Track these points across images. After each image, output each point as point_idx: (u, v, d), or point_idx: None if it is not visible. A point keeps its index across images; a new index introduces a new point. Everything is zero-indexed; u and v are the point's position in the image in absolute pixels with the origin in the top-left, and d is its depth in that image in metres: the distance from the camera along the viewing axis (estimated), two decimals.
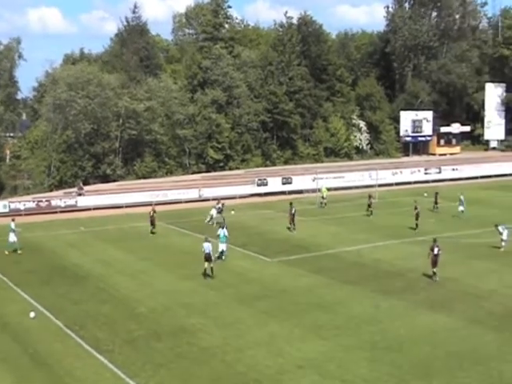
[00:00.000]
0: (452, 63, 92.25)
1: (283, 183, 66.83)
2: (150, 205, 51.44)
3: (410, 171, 75.67)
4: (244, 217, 53.00)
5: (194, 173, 72.05)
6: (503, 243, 40.83)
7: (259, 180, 66.11)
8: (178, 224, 50.60)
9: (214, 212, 50.42)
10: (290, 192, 64.05)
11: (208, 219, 50.31)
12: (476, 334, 26.73)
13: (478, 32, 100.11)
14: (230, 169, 74.50)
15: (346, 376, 22.64)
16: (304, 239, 44.71)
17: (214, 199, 58.24)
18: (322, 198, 57.84)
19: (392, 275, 35.63)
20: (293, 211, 47.26)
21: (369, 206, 53.56)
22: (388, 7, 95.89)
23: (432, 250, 34.74)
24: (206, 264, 34.92)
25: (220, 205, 51.32)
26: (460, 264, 37.67)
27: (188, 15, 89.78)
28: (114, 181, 67.04)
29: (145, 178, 68.64)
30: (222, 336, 26.47)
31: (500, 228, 41.15)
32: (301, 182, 66.99)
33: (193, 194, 61.72)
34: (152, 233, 47.37)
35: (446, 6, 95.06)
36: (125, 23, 79.33)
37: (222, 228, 38.89)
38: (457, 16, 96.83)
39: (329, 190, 58.59)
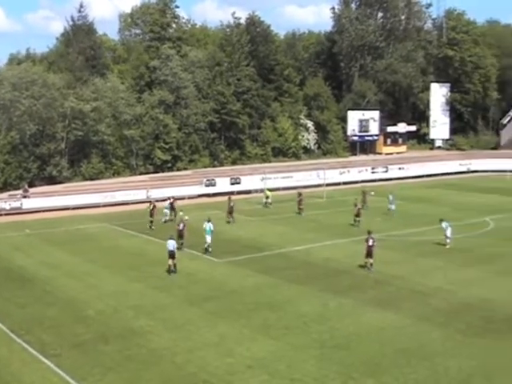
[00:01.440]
0: (398, 63, 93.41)
1: (231, 183, 66.82)
2: (98, 206, 51.03)
3: (357, 170, 76.46)
4: (192, 217, 52.72)
5: (141, 174, 71.52)
6: (448, 240, 41.56)
7: (207, 180, 65.98)
8: (126, 225, 50.14)
9: (167, 211, 51.40)
10: (239, 192, 64.08)
11: (164, 219, 50.98)
12: (423, 330, 27.11)
13: (423, 33, 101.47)
14: (178, 169, 74.14)
15: (295, 375, 22.74)
16: (253, 239, 44.78)
17: (162, 200, 58.03)
18: (266, 197, 58.23)
19: (340, 274, 35.92)
20: (231, 204, 49.79)
21: (299, 203, 54.69)
22: (334, 8, 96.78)
23: (367, 241, 36.04)
24: (170, 261, 35.62)
25: (171, 200, 52.53)
26: (407, 262, 38.22)
27: (134, 15, 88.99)
28: (61, 182, 66.05)
29: (92, 179, 67.86)
30: (172, 337, 26.33)
31: (443, 225, 41.83)
32: (249, 182, 67.09)
33: (140, 195, 61.20)
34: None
35: (391, 7, 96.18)
36: (71, 22, 78.26)
37: (208, 222, 40.40)
38: (402, 17, 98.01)
39: (277, 190, 58.75)
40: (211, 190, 65.21)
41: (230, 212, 50.26)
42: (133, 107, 72.51)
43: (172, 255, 35.77)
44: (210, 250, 40.10)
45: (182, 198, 61.34)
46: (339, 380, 22.40)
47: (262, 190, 61.15)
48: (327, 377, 22.61)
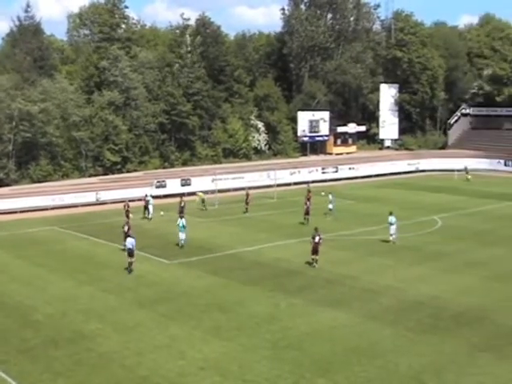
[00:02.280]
0: (347, 64, 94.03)
1: (182, 185, 66.54)
2: (46, 209, 50.13)
3: (307, 171, 76.83)
4: (142, 219, 52.45)
5: (90, 176, 70.63)
6: (393, 236, 42.11)
7: (158, 182, 65.56)
8: (75, 228, 49.47)
9: (151, 207, 53.05)
10: (190, 193, 63.75)
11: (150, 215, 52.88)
12: (373, 329, 27.35)
13: (372, 34, 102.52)
14: (128, 171, 73.45)
15: (247, 376, 22.72)
16: (204, 240, 44.60)
17: (112, 202, 57.73)
18: (202, 201, 57.69)
19: (291, 274, 36.00)
20: (182, 205, 50.11)
21: (246, 203, 55.26)
22: (284, 9, 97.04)
23: (313, 238, 36.56)
24: (130, 259, 36.16)
25: (149, 197, 54.13)
26: (357, 261, 38.53)
27: (83, 15, 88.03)
28: (8, 185, 64.79)
29: (40, 181, 66.69)
30: (122, 340, 26.07)
31: (390, 218, 42.21)
32: (200, 183, 66.84)
33: (90, 197, 60.53)
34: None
35: (340, 9, 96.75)
36: (17, 23, 76.92)
37: (181, 218, 41.89)
38: (351, 18, 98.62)
39: (228, 191, 58.59)
40: (161, 191, 64.78)
41: (181, 211, 49.84)
42: (82, 108, 71.57)
43: (130, 253, 36.23)
44: (182, 245, 41.58)
45: (132, 200, 60.86)
46: (291, 380, 22.45)
47: (213, 191, 60.95)
48: (279, 377, 22.64)
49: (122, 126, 72.80)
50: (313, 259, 36.83)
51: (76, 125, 70.46)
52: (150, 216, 52.88)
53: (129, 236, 37.67)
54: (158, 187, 64.81)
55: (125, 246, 38.41)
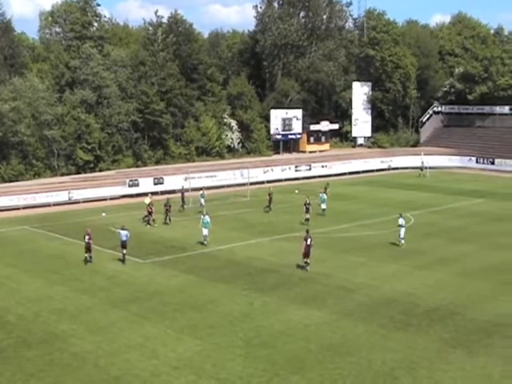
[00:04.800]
0: (320, 62, 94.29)
1: (155, 183, 66.22)
2: (18, 209, 49.62)
3: (280, 169, 76.95)
4: (115, 218, 52.06)
5: (63, 175, 70.07)
6: (402, 241, 41.54)
7: (130, 181, 65.21)
8: (47, 228, 49.05)
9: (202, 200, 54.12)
10: (162, 192, 63.56)
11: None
12: (347, 326, 27.47)
13: (345, 32, 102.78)
14: (101, 170, 73.00)
15: (221, 374, 22.71)
16: (177, 239, 44.51)
17: (85, 201, 57.36)
18: (149, 205, 50.60)
19: (265, 272, 36.04)
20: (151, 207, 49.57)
21: (269, 202, 54.15)
22: (257, 6, 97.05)
23: (305, 240, 35.88)
24: (124, 251, 37.56)
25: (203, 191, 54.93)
26: (331, 259, 38.65)
27: (55, 13, 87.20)
28: None
29: (11, 181, 66.05)
30: (95, 340, 25.92)
31: (400, 220, 41.93)
32: (173, 181, 66.66)
33: (62, 196, 60.07)
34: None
35: (313, 7, 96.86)
36: None
37: (205, 215, 42.27)
38: (324, 16, 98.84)
39: (201, 189, 58.26)
40: (134, 190, 64.47)
41: (150, 213, 49.30)
42: (53, 107, 70.92)
43: (124, 245, 37.60)
44: (206, 242, 41.81)
45: (105, 199, 60.66)
46: (265, 378, 22.48)
47: (186, 190, 60.70)
48: (253, 375, 22.66)
49: (94, 124, 72.33)
50: (305, 262, 36.01)
51: (48, 124, 69.82)
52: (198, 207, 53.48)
53: (89, 249, 37.66)
54: (130, 186, 64.46)
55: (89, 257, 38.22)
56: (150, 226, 48.64)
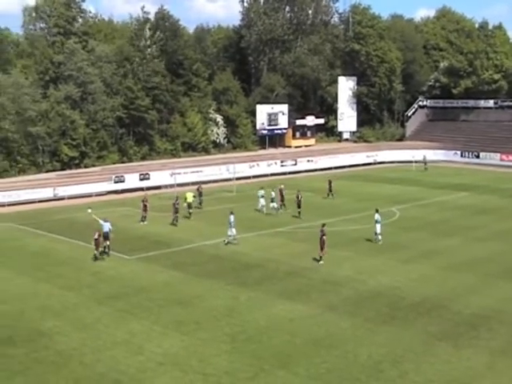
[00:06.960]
0: (305, 56, 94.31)
1: (141, 179, 66.14)
2: (3, 206, 49.29)
3: (266, 164, 77.03)
4: (101, 214, 51.65)
5: (48, 171, 69.67)
6: (379, 236, 41.49)
7: (116, 177, 65.04)
8: (32, 225, 48.77)
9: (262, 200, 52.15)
10: (148, 188, 63.44)
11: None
12: (332, 320, 27.51)
13: (330, 27, 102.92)
14: (86, 166, 72.61)
15: (207, 370, 22.69)
16: (163, 235, 44.43)
17: (70, 198, 57.13)
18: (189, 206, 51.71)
19: (250, 267, 36.05)
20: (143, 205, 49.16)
21: (282, 200, 52.91)
22: (243, 1, 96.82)
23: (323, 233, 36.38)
24: (107, 242, 37.89)
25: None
26: (316, 253, 38.52)
27: (39, 8, 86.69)
28: None
29: None
30: (81, 337, 25.82)
31: (376, 216, 42.03)
32: (158, 177, 66.60)
33: (47, 193, 59.80)
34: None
35: (299, 1, 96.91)
36: None
37: (231, 214, 41.50)
38: (309, 11, 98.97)
39: (187, 185, 58.24)
40: (120, 186, 64.31)
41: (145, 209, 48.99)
42: (38, 103, 70.48)
43: (106, 236, 37.79)
44: (236, 241, 41.09)
45: (90, 196, 60.45)
46: (251, 373, 22.47)
47: (171, 186, 60.66)
48: (239, 370, 22.65)
49: (79, 120, 71.92)
50: (320, 256, 36.50)
51: (32, 120, 69.40)
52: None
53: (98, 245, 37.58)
54: (116, 182, 64.29)
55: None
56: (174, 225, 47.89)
